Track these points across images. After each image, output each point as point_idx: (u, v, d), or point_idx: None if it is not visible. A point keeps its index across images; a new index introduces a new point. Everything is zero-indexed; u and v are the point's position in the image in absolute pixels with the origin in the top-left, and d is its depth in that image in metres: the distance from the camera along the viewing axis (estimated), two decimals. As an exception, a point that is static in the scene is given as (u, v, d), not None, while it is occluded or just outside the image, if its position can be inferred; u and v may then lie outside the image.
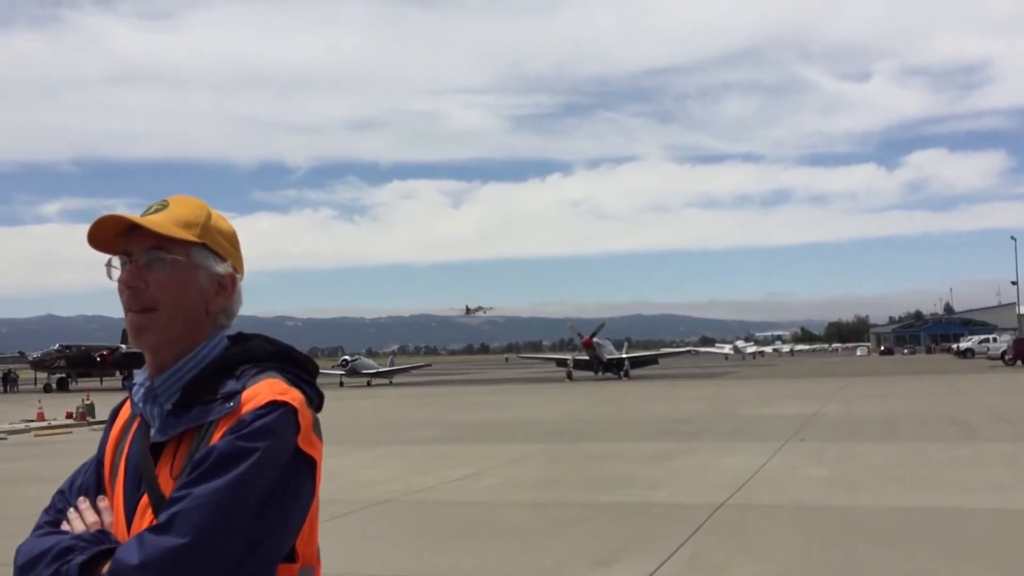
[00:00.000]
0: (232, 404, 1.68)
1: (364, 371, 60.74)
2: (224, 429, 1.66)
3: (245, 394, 1.70)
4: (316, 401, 1.79)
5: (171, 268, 1.77)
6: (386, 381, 61.81)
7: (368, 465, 15.18)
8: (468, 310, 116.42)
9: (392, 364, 68.28)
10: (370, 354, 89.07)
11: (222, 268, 1.83)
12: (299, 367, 1.81)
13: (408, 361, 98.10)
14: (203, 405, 1.71)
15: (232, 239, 1.89)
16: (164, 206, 1.83)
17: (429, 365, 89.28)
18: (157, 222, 1.77)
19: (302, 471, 1.69)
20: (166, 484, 1.68)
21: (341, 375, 59.73)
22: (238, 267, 1.88)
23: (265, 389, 1.70)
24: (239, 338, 1.85)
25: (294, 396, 1.71)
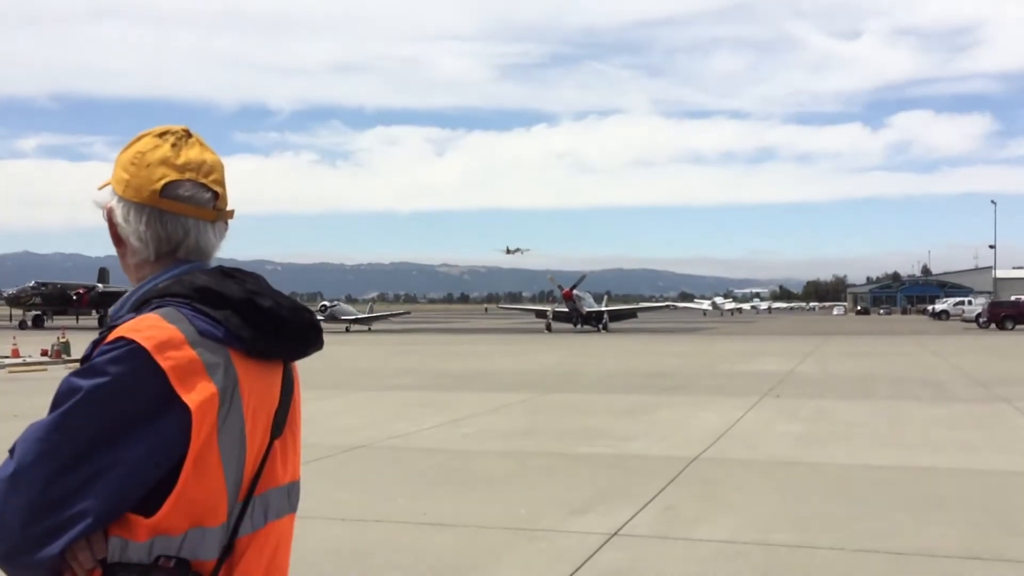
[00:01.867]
0: (100, 337, 1.59)
1: (343, 317, 60.79)
2: None
3: (117, 328, 1.57)
4: (240, 343, 1.60)
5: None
6: (365, 328, 61.84)
7: (344, 411, 15.20)
8: (508, 251, 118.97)
9: (371, 311, 68.24)
10: (350, 300, 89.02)
11: (97, 198, 1.78)
12: (220, 304, 1.60)
13: (388, 309, 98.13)
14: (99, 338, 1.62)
15: (127, 163, 1.72)
16: None
17: (408, 313, 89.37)
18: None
19: (160, 417, 1.52)
20: None
21: (320, 320, 59.54)
22: (130, 189, 1.70)
23: (128, 324, 1.56)
24: (190, 271, 1.69)
25: (154, 335, 1.53)
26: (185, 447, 1.53)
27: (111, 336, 1.56)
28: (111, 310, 1.75)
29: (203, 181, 1.72)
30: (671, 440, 11.84)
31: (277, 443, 1.69)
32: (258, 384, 1.64)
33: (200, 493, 1.55)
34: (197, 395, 1.53)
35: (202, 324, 1.58)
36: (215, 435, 1.56)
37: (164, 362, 1.52)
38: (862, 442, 11.59)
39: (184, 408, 1.52)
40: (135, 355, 1.52)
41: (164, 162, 1.70)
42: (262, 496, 1.65)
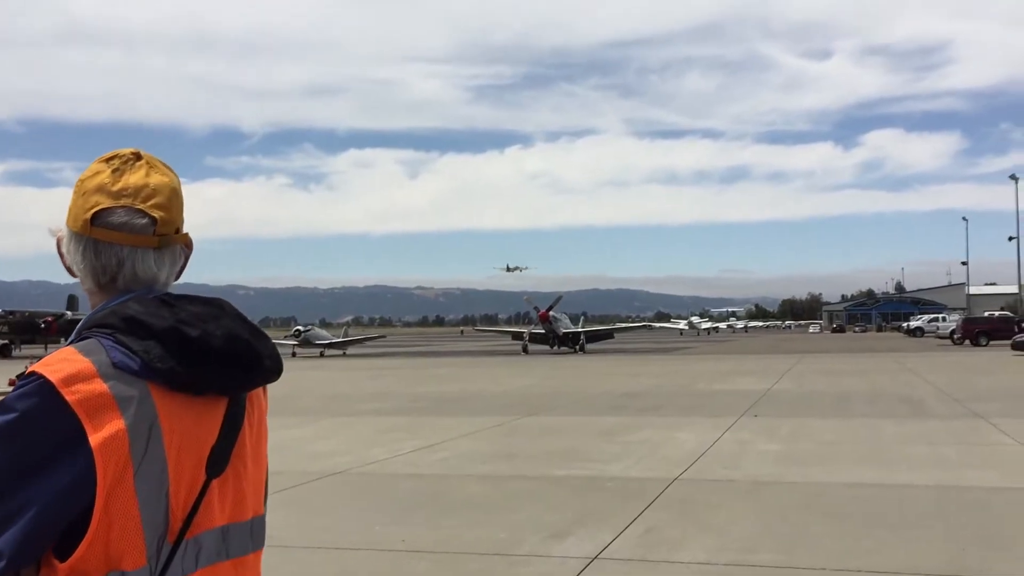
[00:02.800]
0: (23, 371, 1.52)
1: (317, 342, 60.48)
2: None
3: (33, 365, 1.51)
4: (159, 376, 1.50)
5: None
6: (339, 352, 61.62)
7: (319, 437, 15.07)
8: (508, 269, 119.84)
9: (346, 335, 67.95)
10: (324, 325, 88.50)
11: (54, 231, 1.71)
12: (143, 335, 1.52)
13: (362, 332, 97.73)
14: None
15: (78, 186, 1.66)
16: None
17: (384, 337, 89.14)
18: None
19: (64, 456, 1.42)
20: None
21: (294, 345, 59.42)
22: (70, 218, 1.65)
23: (44, 359, 1.50)
24: (125, 303, 1.60)
25: (62, 368, 1.46)
26: (94, 486, 1.43)
27: (29, 370, 1.50)
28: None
29: (140, 206, 1.62)
30: (650, 461, 11.82)
31: (215, 482, 1.58)
32: (185, 419, 1.54)
33: (116, 535, 1.45)
34: (104, 432, 1.44)
35: (118, 356, 1.50)
36: (129, 474, 1.46)
37: (70, 396, 1.43)
38: (841, 460, 11.63)
39: (85, 445, 1.43)
40: (41, 390, 1.44)
41: (100, 189, 1.63)
42: (194, 539, 1.55)
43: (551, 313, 58.19)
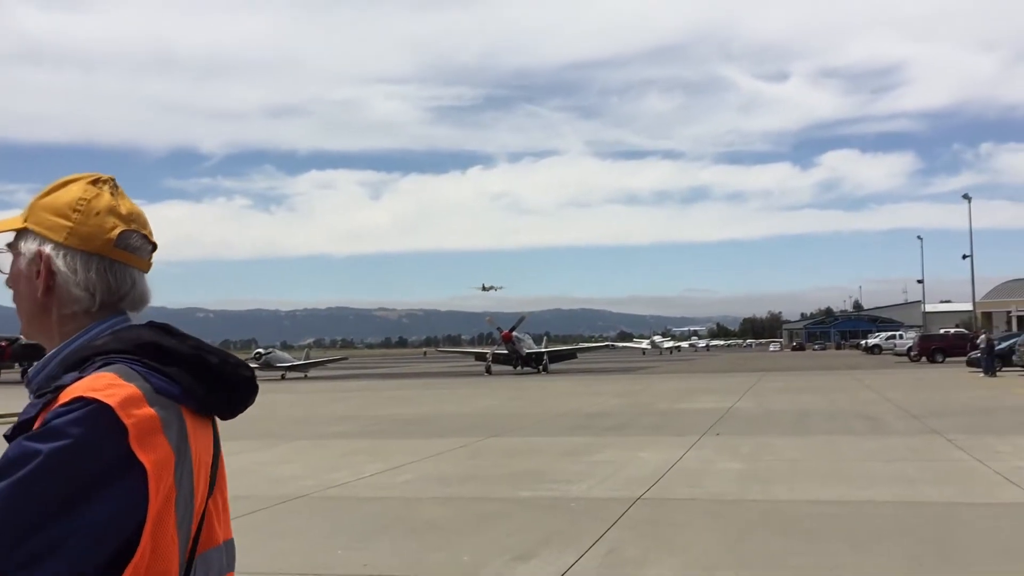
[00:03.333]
0: (50, 398, 1.49)
1: (278, 364, 59.87)
2: (37, 426, 1.48)
3: (68, 388, 1.48)
4: (193, 403, 1.56)
5: (11, 264, 1.68)
6: (301, 375, 61.00)
7: (281, 460, 14.92)
8: (484, 288, 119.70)
9: (308, 357, 67.43)
10: (285, 347, 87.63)
11: (26, 247, 1.66)
12: (171, 361, 1.56)
13: (324, 354, 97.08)
14: (37, 398, 1.53)
15: (66, 209, 1.65)
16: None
17: (346, 359, 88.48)
18: None
19: (120, 480, 1.44)
20: None
21: (255, 368, 58.61)
22: (74, 237, 1.64)
23: (84, 383, 1.48)
24: (126, 327, 1.64)
25: (115, 392, 1.46)
26: (145, 510, 1.46)
27: (65, 397, 1.47)
28: (32, 371, 1.65)
29: (143, 232, 1.71)
30: (613, 481, 11.84)
31: (210, 501, 1.63)
32: (200, 441, 1.60)
33: (157, 557, 1.48)
34: (154, 455, 1.47)
35: (157, 382, 1.53)
36: (172, 496, 1.50)
37: (127, 419, 1.45)
38: (802, 478, 11.73)
39: (142, 469, 1.45)
40: (99, 415, 1.44)
41: (112, 211, 1.66)
42: (203, 556, 1.59)
43: (514, 333, 58.19)
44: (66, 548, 1.40)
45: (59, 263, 1.64)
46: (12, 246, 1.69)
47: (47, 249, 1.64)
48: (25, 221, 1.67)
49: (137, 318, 1.71)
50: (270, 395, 36.90)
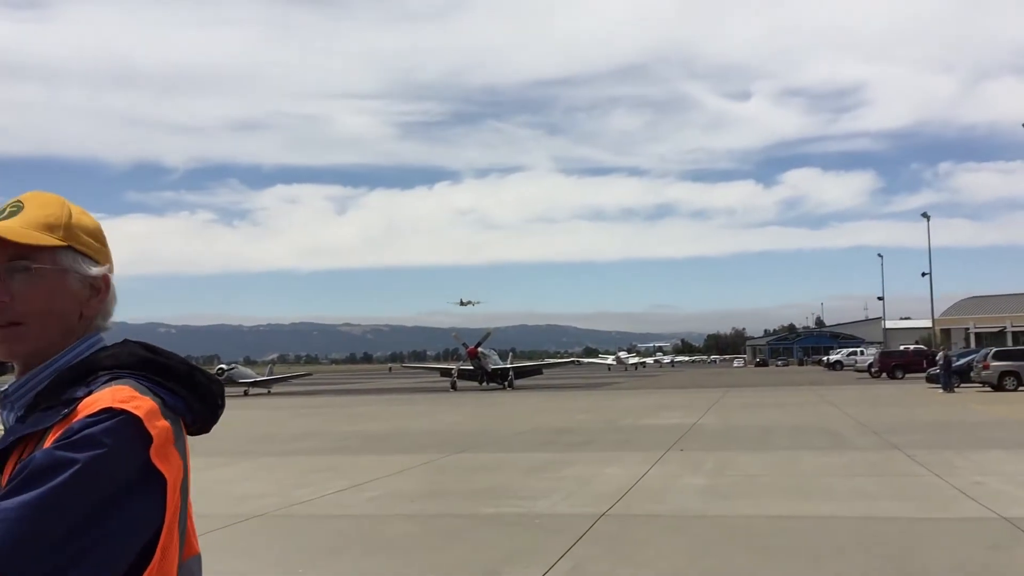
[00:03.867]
0: (68, 410, 1.53)
1: (241, 380, 59.30)
2: (54, 437, 1.50)
3: (87, 400, 1.53)
4: (190, 416, 1.63)
5: (37, 278, 1.64)
6: (264, 391, 60.61)
7: (242, 478, 14.77)
8: (462, 303, 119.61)
9: (271, 373, 66.86)
10: (248, 363, 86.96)
11: (95, 270, 1.70)
12: (174, 378, 1.64)
13: (288, 370, 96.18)
14: (44, 411, 1.56)
15: (98, 235, 1.75)
16: (18, 208, 1.67)
17: (310, 375, 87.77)
18: (14, 229, 1.62)
19: (142, 489, 1.50)
20: None
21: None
22: (108, 264, 1.75)
23: (106, 395, 1.53)
24: (121, 343, 1.70)
25: (139, 404, 1.52)
26: (162, 518, 1.53)
27: (89, 408, 1.51)
28: (13, 385, 1.66)
29: None
30: (578, 497, 11.86)
31: (188, 512, 1.70)
32: (188, 454, 1.67)
33: (165, 564, 1.55)
34: (171, 465, 1.54)
35: (167, 396, 1.60)
36: (179, 505, 1.58)
37: (152, 431, 1.52)
38: (765, 493, 11.82)
39: (161, 478, 1.52)
40: (129, 425, 1.50)
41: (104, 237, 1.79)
42: (186, 564, 1.64)
43: (480, 349, 58.13)
44: (95, 555, 1.45)
45: (109, 287, 1.75)
46: (36, 261, 1.65)
47: (105, 271, 1.74)
48: (66, 240, 1.68)
49: (106, 334, 1.75)
50: (232, 412, 36.38)
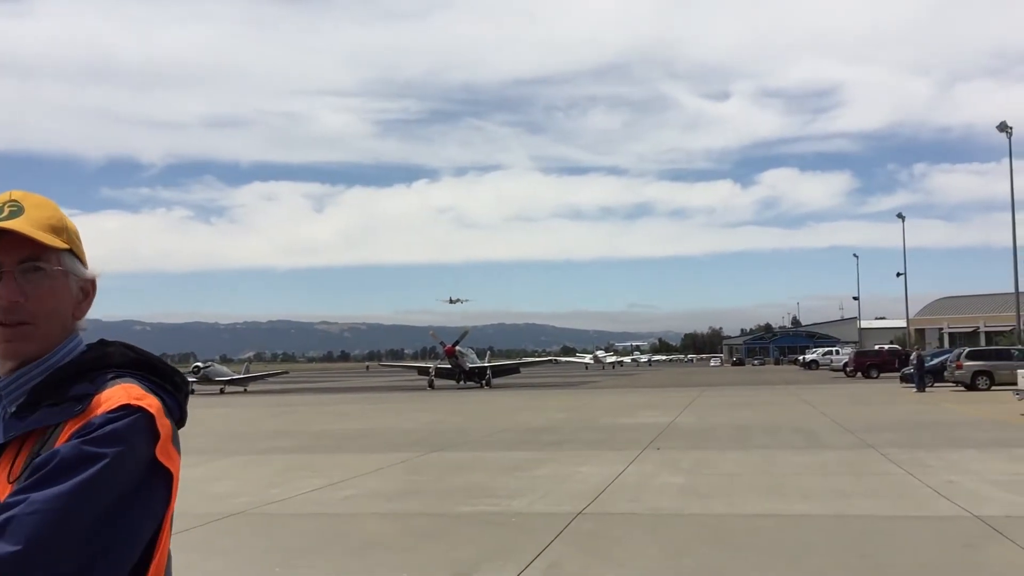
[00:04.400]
0: (81, 407, 1.58)
1: (217, 378, 59.01)
2: (70, 432, 1.55)
3: (98, 397, 1.59)
4: (177, 414, 1.70)
5: (48, 280, 1.68)
6: (240, 389, 60.34)
7: (218, 476, 14.67)
8: (451, 301, 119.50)
9: (247, 371, 66.50)
10: (224, 361, 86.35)
11: (88, 273, 1.76)
12: (162, 377, 1.71)
13: (265, 368, 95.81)
14: (50, 407, 1.61)
15: (80, 238, 1.80)
16: (18, 207, 1.68)
17: (286, 373, 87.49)
18: (29, 229, 1.64)
19: (156, 483, 1.59)
20: (2, 489, 1.56)
21: (193, 382, 57.98)
22: (88, 264, 1.80)
23: (120, 393, 1.60)
24: (99, 343, 1.75)
25: (151, 403, 1.61)
26: (165, 512, 1.63)
27: (106, 405, 1.57)
28: (2, 384, 1.67)
29: None
30: (555, 496, 11.87)
31: None
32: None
33: (162, 558, 1.65)
34: (173, 461, 1.63)
35: (164, 396, 1.67)
36: (174, 501, 1.66)
37: (162, 429, 1.60)
38: (740, 492, 11.88)
39: (168, 473, 1.61)
40: (145, 422, 1.58)
41: None
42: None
43: (457, 348, 58.11)
44: (121, 546, 1.53)
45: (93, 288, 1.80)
46: (48, 262, 1.68)
47: (96, 275, 1.78)
48: (67, 243, 1.72)
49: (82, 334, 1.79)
50: (208, 409, 36.28)
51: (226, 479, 14.39)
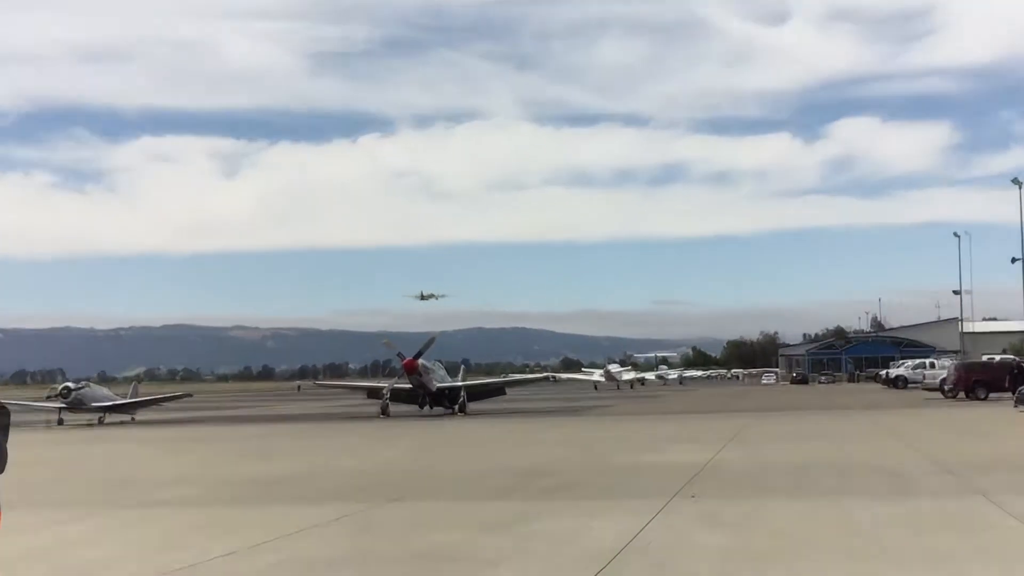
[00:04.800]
0: None
1: (94, 404, 59.13)
2: None
3: None
4: None
5: None
6: (127, 417, 60.69)
7: (93, 538, 14.61)
8: (423, 296, 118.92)
9: (135, 394, 66.57)
10: (104, 380, 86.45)
11: None
12: None
13: (159, 390, 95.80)
14: None
15: None
16: None
17: (189, 396, 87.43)
18: None
19: None
20: None
21: (60, 409, 57.94)
22: None
23: None
24: None
25: None
26: None
27: None
28: None
29: None
30: (551, 563, 11.83)
31: None
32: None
33: None
34: None
35: None
36: None
37: None
38: (807, 556, 11.84)
39: None
40: None
41: None
42: None
43: (420, 361, 58.08)
44: None
45: None
46: None
47: None
48: None
49: None
50: (81, 446, 36.19)
51: (105, 542, 14.32)
